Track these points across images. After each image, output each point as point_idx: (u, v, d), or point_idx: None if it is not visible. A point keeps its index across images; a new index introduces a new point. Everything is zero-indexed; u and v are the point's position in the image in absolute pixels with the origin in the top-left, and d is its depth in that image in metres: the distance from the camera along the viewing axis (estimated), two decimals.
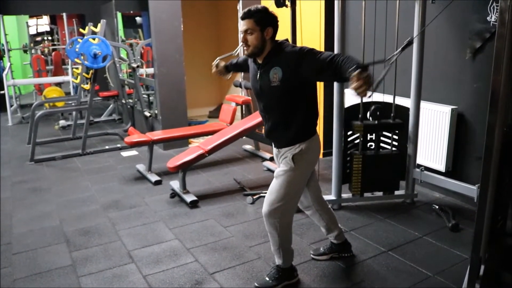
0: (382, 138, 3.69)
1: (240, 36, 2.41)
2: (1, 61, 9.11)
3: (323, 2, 4.79)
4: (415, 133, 3.66)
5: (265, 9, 2.34)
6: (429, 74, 3.75)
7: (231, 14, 6.64)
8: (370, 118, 3.54)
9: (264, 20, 2.32)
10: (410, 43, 2.62)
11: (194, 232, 3.42)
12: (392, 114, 3.57)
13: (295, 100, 2.38)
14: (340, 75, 2.09)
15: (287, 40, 2.47)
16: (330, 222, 2.87)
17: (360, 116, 3.56)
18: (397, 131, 3.63)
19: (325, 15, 4.80)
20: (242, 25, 2.34)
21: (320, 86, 4.24)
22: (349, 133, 3.65)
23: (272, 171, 4.74)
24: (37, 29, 12.41)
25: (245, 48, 2.36)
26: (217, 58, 3.04)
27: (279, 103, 2.41)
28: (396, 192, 3.77)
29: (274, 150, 2.61)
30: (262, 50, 2.36)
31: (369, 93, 1.90)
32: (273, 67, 2.33)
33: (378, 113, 3.49)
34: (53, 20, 12.05)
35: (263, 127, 2.64)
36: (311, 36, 4.86)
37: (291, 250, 2.66)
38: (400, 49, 2.45)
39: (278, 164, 2.59)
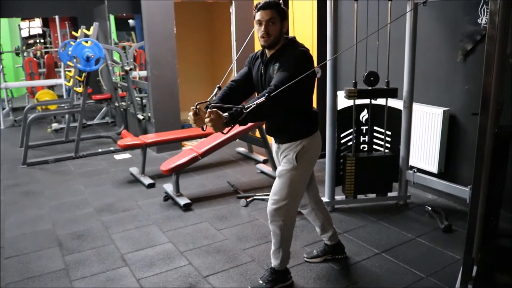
0: (375, 140, 3.71)
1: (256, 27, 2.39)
2: None
3: (315, 3, 4.81)
4: (407, 135, 3.68)
5: (280, 2, 2.38)
6: (421, 76, 3.77)
7: (224, 16, 6.64)
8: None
9: (282, 12, 2.36)
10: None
11: (188, 235, 3.41)
12: (386, 80, 3.56)
13: (294, 97, 2.38)
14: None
15: (294, 37, 2.48)
16: (326, 222, 2.88)
17: (353, 120, 3.58)
18: (388, 145, 3.64)
19: (317, 17, 4.82)
20: (264, 15, 2.30)
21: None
22: (342, 135, 3.66)
23: (266, 174, 4.75)
24: (29, 32, 12.37)
25: (264, 38, 2.34)
26: (196, 104, 2.16)
27: None
28: (389, 194, 3.79)
29: (274, 146, 2.62)
30: (278, 42, 2.38)
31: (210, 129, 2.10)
32: (276, 62, 2.36)
33: (372, 78, 3.50)
34: (46, 23, 12.02)
35: (264, 123, 2.64)
36: (303, 37, 4.87)
37: (289, 252, 2.67)
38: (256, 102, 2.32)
39: (278, 161, 2.60)
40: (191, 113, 2.16)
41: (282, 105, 2.25)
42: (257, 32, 2.37)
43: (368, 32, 3.53)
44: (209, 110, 2.04)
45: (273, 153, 2.70)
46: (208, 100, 2.35)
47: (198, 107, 2.16)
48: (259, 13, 2.32)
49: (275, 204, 2.50)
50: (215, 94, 2.46)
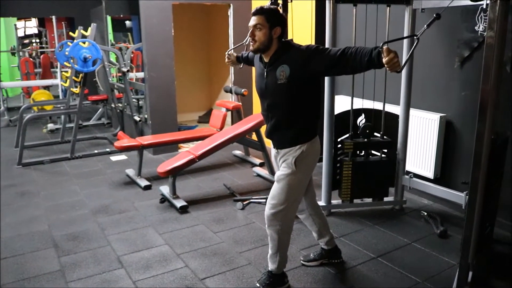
0: None
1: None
2: None
3: (314, 7, 4.82)
4: (404, 140, 3.70)
5: (276, 9, 2.41)
6: (418, 82, 3.80)
7: (222, 19, 6.65)
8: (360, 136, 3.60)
9: (274, 19, 2.37)
10: (437, 18, 2.51)
11: (184, 238, 3.41)
12: (381, 132, 3.63)
13: (299, 100, 2.41)
14: (356, 64, 2.16)
15: (292, 40, 2.50)
16: (322, 227, 2.89)
17: (350, 125, 3.60)
18: (385, 150, 3.68)
19: (315, 21, 4.83)
20: (252, 20, 2.38)
21: None
22: (339, 139, 3.67)
23: (262, 177, 4.75)
24: (25, 32, 12.32)
25: (251, 43, 2.40)
26: (230, 49, 3.19)
27: (284, 102, 2.43)
28: (385, 199, 3.80)
29: (273, 151, 2.63)
30: (268, 48, 2.40)
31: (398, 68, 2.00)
32: (281, 65, 2.37)
33: (367, 131, 3.53)
34: (42, 23, 11.98)
35: (265, 126, 2.65)
36: (301, 41, 4.88)
37: (286, 256, 2.68)
38: (426, 25, 2.39)
39: (277, 166, 2.61)
40: (226, 54, 3.10)
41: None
42: None
43: (366, 36, 3.56)
44: (385, 47, 2.00)
45: (272, 157, 2.70)
46: (244, 41, 3.12)
47: (229, 52, 3.09)
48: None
49: (273, 209, 2.51)
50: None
